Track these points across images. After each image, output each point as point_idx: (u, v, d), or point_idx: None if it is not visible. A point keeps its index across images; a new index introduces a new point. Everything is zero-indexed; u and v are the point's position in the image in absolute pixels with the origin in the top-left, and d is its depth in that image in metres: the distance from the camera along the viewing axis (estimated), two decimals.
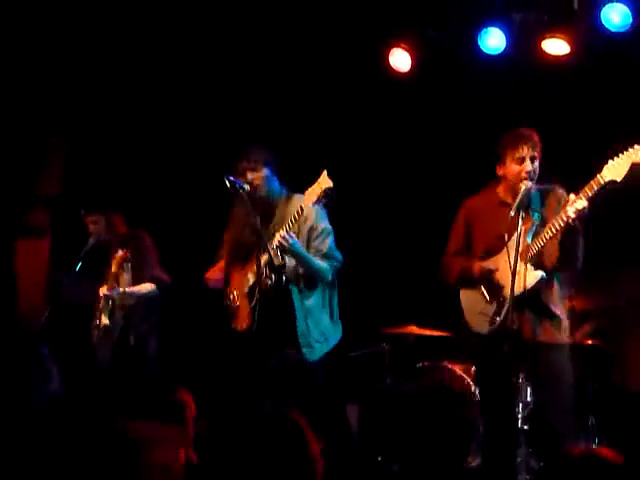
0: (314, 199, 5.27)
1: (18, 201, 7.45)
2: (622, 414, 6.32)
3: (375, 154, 7.75)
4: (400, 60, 7.16)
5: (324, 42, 7.29)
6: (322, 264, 5.60)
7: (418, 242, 7.60)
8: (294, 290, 5.57)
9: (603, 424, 6.18)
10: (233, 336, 5.65)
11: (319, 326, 5.62)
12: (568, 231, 4.97)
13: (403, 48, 7.11)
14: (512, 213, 5.05)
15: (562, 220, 4.95)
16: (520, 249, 5.03)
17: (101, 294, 6.45)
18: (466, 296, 5.49)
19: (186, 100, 7.70)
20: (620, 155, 4.83)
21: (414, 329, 7.01)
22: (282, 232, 5.36)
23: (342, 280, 6.07)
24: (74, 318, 6.70)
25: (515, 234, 5.03)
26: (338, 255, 5.71)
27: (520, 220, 5.04)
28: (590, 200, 4.88)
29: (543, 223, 5.18)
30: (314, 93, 7.61)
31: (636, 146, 4.81)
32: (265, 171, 5.62)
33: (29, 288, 7.34)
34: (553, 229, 5.02)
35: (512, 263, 4.99)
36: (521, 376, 5.10)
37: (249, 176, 5.55)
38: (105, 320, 6.44)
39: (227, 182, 5.44)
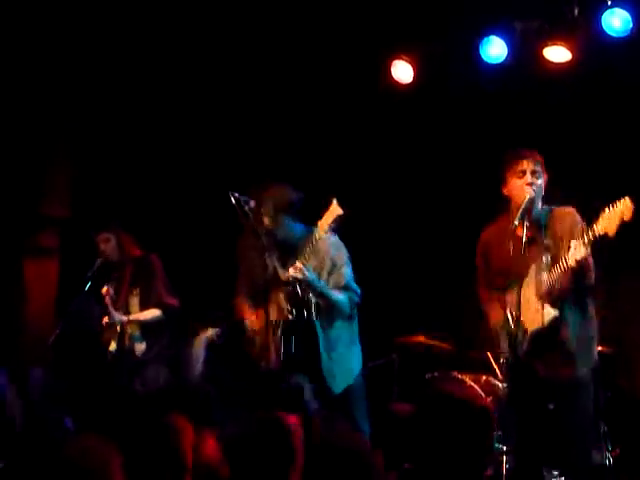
0: (326, 228, 5.32)
1: (26, 222, 7.47)
2: (633, 421, 6.30)
3: (378, 166, 7.76)
4: (402, 72, 7.17)
5: (326, 55, 7.32)
6: (340, 296, 5.55)
7: (425, 254, 7.62)
8: (317, 323, 5.54)
9: (615, 431, 6.16)
10: (258, 375, 5.62)
11: (344, 360, 5.60)
12: (574, 277, 5.00)
13: (405, 60, 7.12)
14: (515, 222, 5.04)
15: (565, 265, 4.95)
16: (538, 286, 5.10)
17: (103, 323, 6.48)
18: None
19: (194, 121, 7.74)
20: (612, 208, 4.77)
21: (423, 340, 7.00)
22: (297, 264, 5.36)
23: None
24: (83, 338, 6.71)
25: (520, 246, 5.03)
26: (356, 287, 5.66)
27: (524, 229, 5.05)
28: (589, 246, 4.89)
29: (555, 250, 5.13)
30: (316, 105, 7.63)
31: (626, 201, 4.76)
32: (283, 217, 5.57)
33: (38, 309, 7.37)
34: (559, 270, 5.01)
35: (517, 276, 5.04)
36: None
37: (267, 221, 5.53)
38: (113, 345, 6.47)
39: (232, 198, 5.43)
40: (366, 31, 7.05)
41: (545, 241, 5.16)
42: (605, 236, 4.81)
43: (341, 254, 5.63)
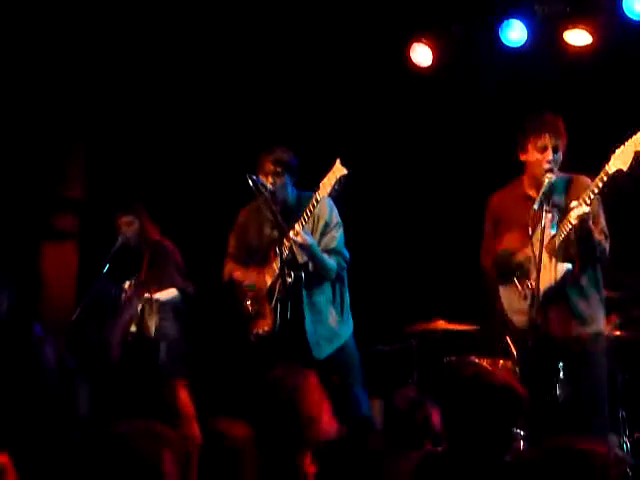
0: (329, 189, 5.31)
1: (44, 205, 7.51)
2: None
3: (396, 148, 7.74)
4: (421, 55, 7.15)
5: (346, 37, 7.30)
6: (329, 261, 5.59)
7: (444, 236, 7.60)
8: (302, 289, 5.56)
9: (633, 417, 6.14)
10: (255, 341, 5.63)
11: (325, 324, 5.61)
12: (578, 235, 4.97)
13: (424, 43, 7.10)
14: (535, 207, 5.00)
15: (569, 223, 4.93)
16: (546, 242, 5.01)
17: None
18: (505, 293, 5.39)
19: (208, 99, 7.73)
20: (625, 144, 4.80)
21: (442, 324, 6.99)
22: (297, 228, 5.36)
23: (369, 276, 6.05)
24: (102, 319, 6.74)
25: (539, 227, 5.00)
26: (345, 252, 5.69)
27: (544, 213, 5.02)
28: (601, 193, 4.88)
29: (566, 212, 5.07)
30: (335, 88, 7.62)
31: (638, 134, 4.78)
32: (285, 178, 5.63)
33: (57, 291, 7.41)
34: (565, 230, 4.99)
35: (537, 256, 4.98)
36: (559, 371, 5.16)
37: (270, 179, 5.57)
38: (132, 327, 6.50)
39: (250, 181, 5.43)
40: (386, 14, 7.03)
41: (554, 200, 5.11)
42: (619, 172, 4.79)
43: (335, 216, 5.65)
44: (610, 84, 6.84)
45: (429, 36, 7.10)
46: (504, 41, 6.83)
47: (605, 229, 5.12)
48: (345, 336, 5.68)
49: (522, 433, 5.66)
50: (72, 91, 7.53)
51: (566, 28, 6.66)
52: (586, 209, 4.85)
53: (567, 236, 5.01)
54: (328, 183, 5.30)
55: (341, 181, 5.29)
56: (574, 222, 4.89)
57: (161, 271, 6.58)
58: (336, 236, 5.63)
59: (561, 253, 5.07)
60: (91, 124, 7.72)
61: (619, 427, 6.05)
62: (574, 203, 4.90)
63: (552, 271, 5.02)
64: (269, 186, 5.53)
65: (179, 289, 6.60)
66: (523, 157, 5.26)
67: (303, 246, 5.40)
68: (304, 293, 5.56)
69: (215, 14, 7.23)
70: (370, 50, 7.29)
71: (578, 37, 6.64)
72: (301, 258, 5.49)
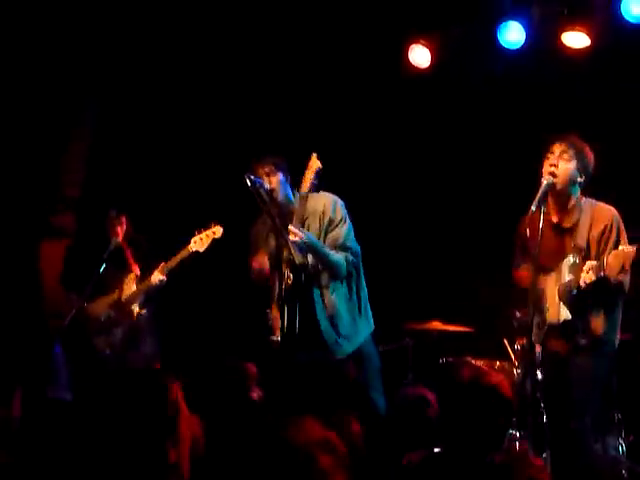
0: (309, 184, 5.36)
1: (43, 203, 7.53)
2: None
3: (394, 149, 7.75)
4: (419, 56, 7.15)
5: (344, 38, 7.31)
6: (335, 256, 5.49)
7: (441, 237, 7.61)
8: (314, 288, 5.49)
9: (629, 419, 6.15)
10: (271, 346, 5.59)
11: (343, 322, 5.52)
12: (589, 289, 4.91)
13: (422, 44, 7.11)
14: (533, 208, 4.95)
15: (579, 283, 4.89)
16: (560, 284, 5.02)
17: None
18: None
19: (205, 98, 7.73)
20: (619, 249, 4.79)
21: (438, 324, 7.00)
22: (290, 227, 5.33)
23: (366, 275, 6.04)
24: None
25: (538, 231, 4.96)
26: (354, 246, 5.59)
27: (541, 215, 4.97)
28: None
29: (585, 252, 5.04)
30: (333, 88, 7.62)
31: (625, 247, 4.78)
32: (280, 175, 5.61)
33: (54, 288, 7.41)
34: (572, 285, 4.95)
35: (535, 258, 4.96)
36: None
37: (265, 180, 5.57)
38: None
39: (247, 181, 5.39)
40: (384, 15, 7.03)
41: (577, 241, 5.05)
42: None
43: (339, 211, 5.59)
44: (607, 86, 6.85)
45: (427, 37, 7.10)
46: (502, 42, 6.84)
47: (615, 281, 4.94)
48: (364, 335, 5.60)
49: (518, 434, 5.68)
50: (73, 88, 7.54)
51: (564, 30, 6.66)
52: (593, 278, 4.80)
53: (570, 288, 4.97)
54: (307, 179, 5.35)
55: (318, 173, 5.32)
56: (583, 286, 4.83)
57: (145, 266, 6.67)
58: (342, 231, 5.56)
59: (566, 297, 5.01)
60: (92, 123, 7.73)
61: (615, 429, 6.06)
62: (588, 265, 4.84)
63: (557, 313, 5.01)
64: (267, 185, 5.51)
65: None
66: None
67: (301, 244, 5.36)
68: (316, 293, 5.50)
69: (214, 10, 7.24)
70: (368, 51, 7.28)
71: (576, 39, 6.65)
72: (298, 259, 5.45)
